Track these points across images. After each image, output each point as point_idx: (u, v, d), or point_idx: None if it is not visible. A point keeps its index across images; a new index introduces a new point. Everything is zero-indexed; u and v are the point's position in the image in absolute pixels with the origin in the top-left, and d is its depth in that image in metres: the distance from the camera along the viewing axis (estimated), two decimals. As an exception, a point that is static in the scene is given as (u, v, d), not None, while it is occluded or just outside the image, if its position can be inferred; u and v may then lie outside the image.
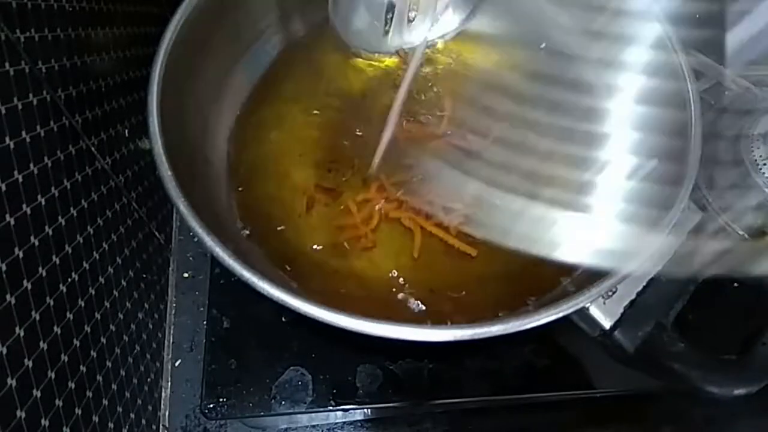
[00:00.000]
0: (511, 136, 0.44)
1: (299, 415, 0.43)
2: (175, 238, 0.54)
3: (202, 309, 0.50)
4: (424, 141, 0.47)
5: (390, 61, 0.51)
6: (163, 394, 0.48)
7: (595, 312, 0.31)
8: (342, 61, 0.51)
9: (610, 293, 0.30)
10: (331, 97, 0.49)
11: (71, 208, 0.36)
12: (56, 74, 0.35)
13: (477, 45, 0.52)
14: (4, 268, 0.28)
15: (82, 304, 0.35)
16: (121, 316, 0.41)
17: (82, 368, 0.34)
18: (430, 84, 0.50)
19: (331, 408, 0.40)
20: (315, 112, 0.48)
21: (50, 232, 0.33)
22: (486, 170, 0.42)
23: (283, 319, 0.42)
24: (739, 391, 0.22)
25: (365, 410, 0.44)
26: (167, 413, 0.47)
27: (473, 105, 0.46)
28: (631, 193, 0.39)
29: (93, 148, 0.40)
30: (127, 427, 0.39)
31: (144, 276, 0.46)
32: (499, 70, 0.51)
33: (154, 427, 0.45)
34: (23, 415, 0.28)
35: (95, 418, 0.35)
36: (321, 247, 0.42)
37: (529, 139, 0.45)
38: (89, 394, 0.35)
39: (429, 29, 0.47)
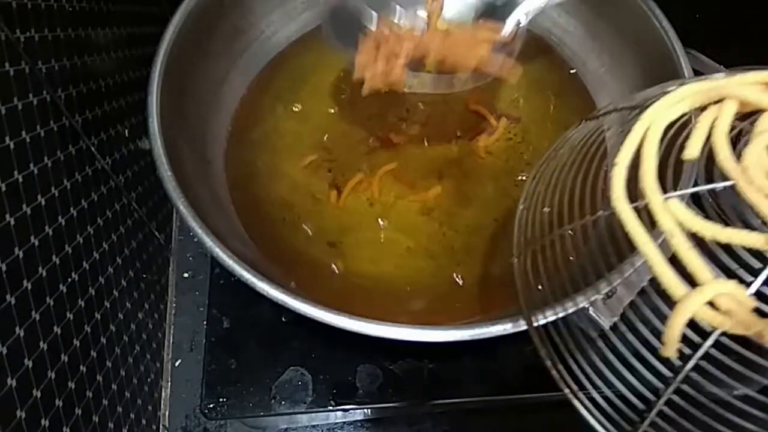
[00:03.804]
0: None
1: (299, 415, 0.43)
2: (175, 238, 0.54)
3: (202, 309, 0.50)
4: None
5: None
6: (163, 394, 0.48)
7: (595, 312, 0.31)
8: (341, 61, 0.51)
9: (610, 293, 0.30)
10: (330, 98, 0.49)
11: (71, 208, 0.36)
12: (56, 74, 0.35)
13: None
14: (4, 268, 0.28)
15: (82, 304, 0.35)
16: (121, 316, 0.41)
17: (82, 368, 0.34)
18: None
19: (331, 408, 0.40)
20: (313, 112, 0.48)
21: (50, 232, 0.33)
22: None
23: (283, 319, 0.42)
24: (738, 392, 0.22)
25: (365, 410, 0.44)
26: (167, 413, 0.47)
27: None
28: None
29: (93, 148, 0.40)
30: (127, 427, 0.39)
31: (144, 276, 0.46)
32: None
33: (154, 427, 0.45)
34: (23, 415, 0.28)
35: (95, 418, 0.35)
36: (320, 247, 0.42)
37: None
38: (89, 394, 0.35)
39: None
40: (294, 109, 0.48)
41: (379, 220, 0.43)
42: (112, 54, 0.43)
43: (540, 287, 0.28)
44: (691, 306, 0.21)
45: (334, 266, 0.41)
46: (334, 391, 0.40)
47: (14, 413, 0.27)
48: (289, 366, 0.41)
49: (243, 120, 0.47)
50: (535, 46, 0.52)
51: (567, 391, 0.26)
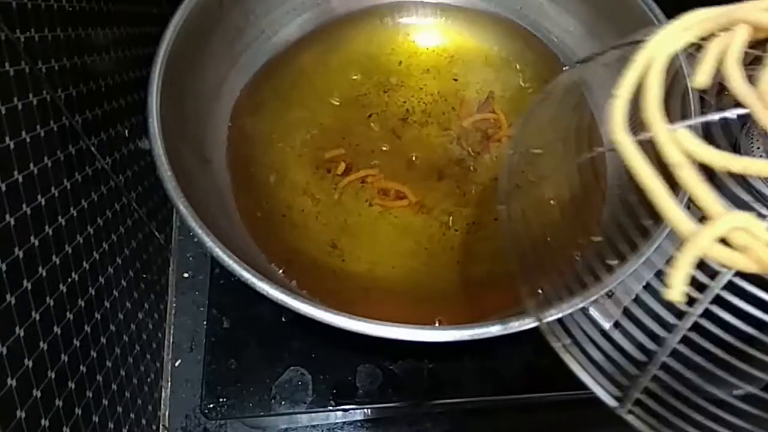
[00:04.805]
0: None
1: (299, 415, 0.43)
2: (175, 238, 0.54)
3: (202, 309, 0.50)
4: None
5: (389, 63, 0.52)
6: (163, 394, 0.48)
7: (594, 312, 0.31)
8: (341, 61, 0.51)
9: (610, 293, 0.30)
10: (330, 97, 0.49)
11: (71, 208, 0.36)
12: (56, 74, 0.35)
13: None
14: (4, 268, 0.28)
15: (82, 304, 0.35)
16: (121, 316, 0.41)
17: (82, 368, 0.34)
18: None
19: (331, 408, 0.40)
20: (314, 112, 0.48)
21: (50, 232, 0.33)
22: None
23: (283, 319, 0.42)
24: (738, 391, 0.22)
25: (365, 410, 0.44)
26: (167, 413, 0.47)
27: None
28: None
29: (93, 148, 0.40)
30: (127, 427, 0.39)
31: (144, 276, 0.46)
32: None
33: (154, 427, 0.45)
34: (23, 415, 0.28)
35: (95, 418, 0.35)
36: (320, 247, 0.42)
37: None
38: (89, 394, 0.35)
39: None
40: (294, 108, 0.48)
41: (379, 219, 0.43)
42: (112, 54, 0.43)
43: (528, 236, 0.26)
44: (700, 242, 0.18)
45: (334, 266, 0.41)
46: (334, 391, 0.40)
47: (14, 413, 0.27)
48: (289, 366, 0.41)
49: (243, 120, 0.47)
50: (534, 45, 0.52)
51: (557, 345, 0.24)
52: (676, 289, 0.19)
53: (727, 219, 0.18)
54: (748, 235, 0.18)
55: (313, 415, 0.44)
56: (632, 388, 0.23)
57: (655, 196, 0.20)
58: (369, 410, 0.44)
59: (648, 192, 0.20)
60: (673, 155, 0.20)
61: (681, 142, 0.20)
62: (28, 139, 0.31)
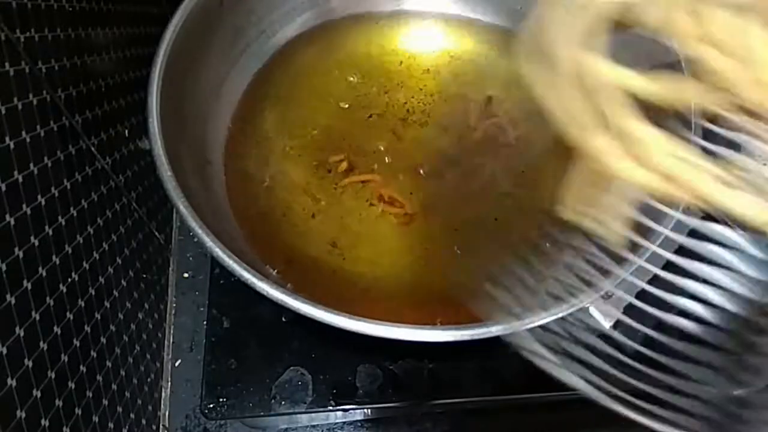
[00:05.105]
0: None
1: (299, 415, 0.43)
2: (175, 238, 0.54)
3: (202, 309, 0.50)
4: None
5: (389, 63, 0.52)
6: (163, 394, 0.48)
7: (595, 312, 0.31)
8: (341, 62, 0.51)
9: (610, 293, 0.30)
10: (330, 98, 0.49)
11: (71, 208, 0.36)
12: (56, 74, 0.35)
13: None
14: (4, 268, 0.28)
15: (82, 304, 0.35)
16: (121, 316, 0.41)
17: (82, 368, 0.34)
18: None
19: (331, 408, 0.40)
20: (314, 112, 0.48)
21: (50, 232, 0.33)
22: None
23: (283, 319, 0.42)
24: (739, 392, 0.22)
25: (365, 410, 0.44)
26: (167, 413, 0.47)
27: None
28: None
29: (93, 148, 0.40)
30: (127, 427, 0.39)
31: (144, 276, 0.46)
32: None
33: (154, 427, 0.45)
34: (23, 415, 0.28)
35: (95, 418, 0.35)
36: (320, 247, 0.42)
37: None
38: (89, 394, 0.35)
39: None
40: (294, 109, 0.48)
41: (380, 219, 0.43)
42: (112, 54, 0.43)
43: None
44: (604, 153, 0.16)
45: (334, 266, 0.41)
46: (334, 391, 0.40)
47: (14, 413, 0.27)
48: (289, 366, 0.41)
49: (243, 120, 0.47)
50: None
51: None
52: (567, 205, 0.17)
53: (637, 130, 0.17)
54: (674, 161, 0.17)
55: (313, 415, 0.44)
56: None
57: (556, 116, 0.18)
58: (369, 410, 0.44)
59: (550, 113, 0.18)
60: (569, 65, 0.18)
61: (588, 63, 0.19)
62: (28, 139, 0.31)
